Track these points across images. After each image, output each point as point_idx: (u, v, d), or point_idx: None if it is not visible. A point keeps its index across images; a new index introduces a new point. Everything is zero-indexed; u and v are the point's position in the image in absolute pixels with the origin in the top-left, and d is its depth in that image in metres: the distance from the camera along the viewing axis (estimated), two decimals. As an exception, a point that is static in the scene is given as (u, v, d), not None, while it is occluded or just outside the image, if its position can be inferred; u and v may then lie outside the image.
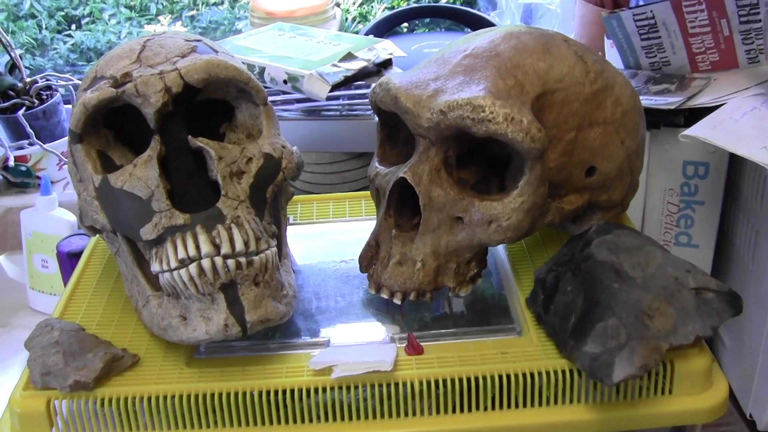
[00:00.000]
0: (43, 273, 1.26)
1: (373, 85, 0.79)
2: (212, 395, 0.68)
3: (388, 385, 0.68)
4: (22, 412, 0.68)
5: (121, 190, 0.71)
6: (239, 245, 0.68)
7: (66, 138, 0.77)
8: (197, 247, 0.67)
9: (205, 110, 0.78)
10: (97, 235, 0.82)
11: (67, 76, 1.47)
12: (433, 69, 0.75)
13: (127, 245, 0.74)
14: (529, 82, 0.72)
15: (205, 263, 0.67)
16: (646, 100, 0.94)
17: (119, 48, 0.77)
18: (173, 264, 0.68)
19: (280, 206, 0.80)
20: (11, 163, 1.37)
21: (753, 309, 0.91)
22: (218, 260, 0.67)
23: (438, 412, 0.68)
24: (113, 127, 0.77)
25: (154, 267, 0.70)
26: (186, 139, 0.72)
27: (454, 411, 0.68)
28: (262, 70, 1.12)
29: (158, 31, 0.80)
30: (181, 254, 0.67)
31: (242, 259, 0.68)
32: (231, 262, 0.67)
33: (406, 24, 1.75)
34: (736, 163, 0.96)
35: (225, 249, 0.67)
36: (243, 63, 1.09)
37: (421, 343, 0.71)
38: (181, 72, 0.72)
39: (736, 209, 0.98)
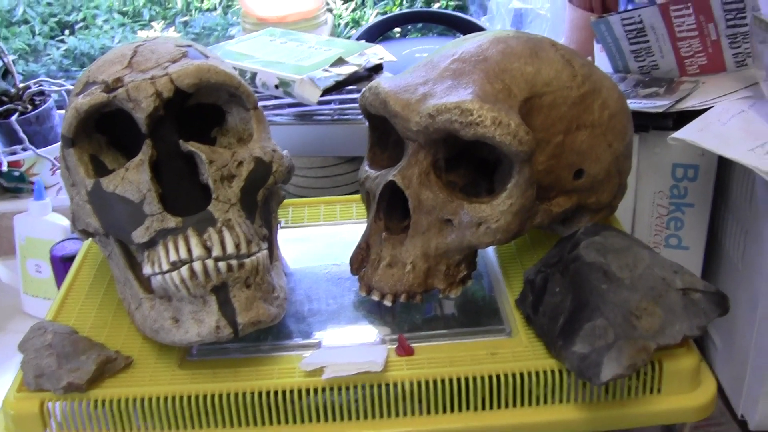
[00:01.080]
0: (37, 278, 1.26)
1: (364, 89, 0.79)
2: (205, 396, 0.68)
3: (379, 386, 0.68)
4: (16, 413, 0.69)
5: (113, 194, 0.72)
6: (230, 248, 0.68)
7: (59, 143, 0.77)
8: (189, 250, 0.68)
9: (196, 115, 0.79)
10: (90, 239, 0.83)
11: (60, 81, 1.48)
12: (422, 73, 0.76)
13: (120, 248, 0.75)
14: (516, 86, 0.73)
15: (197, 266, 0.67)
16: (635, 104, 0.95)
17: (111, 53, 0.78)
18: (165, 267, 0.68)
19: (271, 209, 0.80)
20: (4, 168, 1.37)
21: (743, 310, 0.91)
22: (209, 263, 0.67)
23: (428, 412, 0.69)
24: (105, 131, 0.78)
25: (146, 270, 0.71)
26: (177, 144, 0.73)
27: (444, 411, 0.69)
28: (254, 75, 1.12)
29: (150, 37, 0.81)
30: (173, 257, 0.68)
31: (233, 262, 0.68)
32: (222, 265, 0.68)
33: (398, 29, 1.76)
34: (725, 165, 0.96)
35: (216, 251, 0.68)
36: (235, 68, 1.10)
37: (412, 345, 0.72)
38: (172, 77, 0.73)
39: (725, 211, 0.98)
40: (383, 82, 0.77)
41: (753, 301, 0.89)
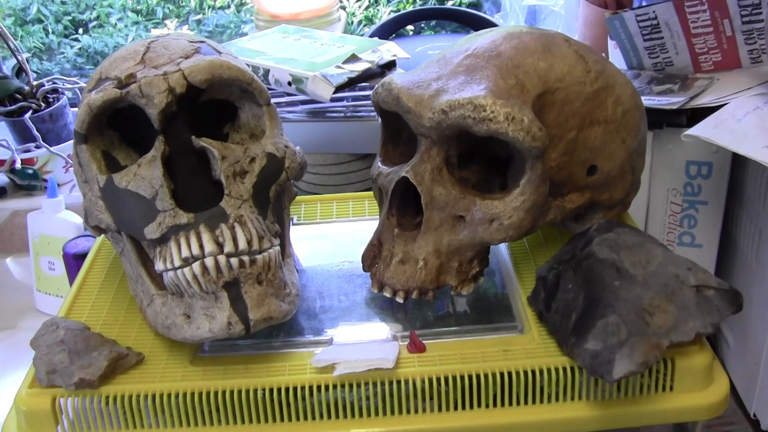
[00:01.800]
0: (50, 275, 1.26)
1: (376, 85, 0.79)
2: (216, 393, 0.68)
3: (390, 383, 0.68)
4: (28, 409, 0.69)
5: (125, 190, 0.72)
6: (242, 244, 0.68)
7: (72, 141, 0.78)
8: (201, 246, 0.68)
9: (209, 111, 0.79)
10: (103, 235, 0.83)
11: (74, 79, 1.48)
12: (435, 69, 0.76)
13: (132, 245, 0.75)
14: (530, 82, 0.72)
15: (209, 262, 0.67)
16: (649, 101, 0.94)
17: (123, 49, 0.78)
18: (177, 263, 0.68)
19: (283, 206, 0.80)
20: (18, 165, 1.37)
21: (757, 308, 0.91)
22: (221, 259, 0.67)
23: (440, 409, 0.69)
24: (118, 127, 0.78)
25: (158, 266, 0.71)
26: (190, 140, 0.73)
27: (455, 408, 0.69)
28: (267, 72, 1.12)
29: (163, 33, 0.81)
30: (185, 253, 0.68)
31: (245, 258, 0.68)
32: (234, 261, 0.68)
33: (411, 26, 1.76)
34: (739, 162, 0.96)
35: (228, 248, 0.68)
36: (248, 65, 1.10)
37: (424, 341, 0.72)
38: (184, 73, 0.73)
39: (739, 209, 0.98)
40: (396, 78, 0.77)
41: (767, 300, 0.88)
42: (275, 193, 0.76)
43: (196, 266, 0.68)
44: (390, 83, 0.76)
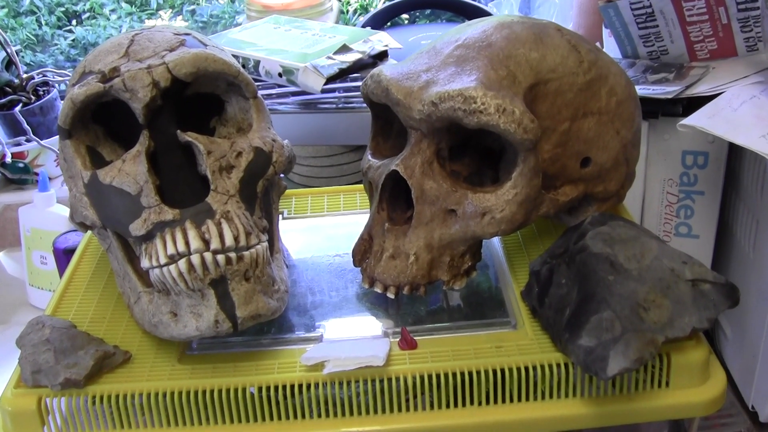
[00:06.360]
0: (42, 269, 1.26)
1: (366, 77, 0.78)
2: (204, 392, 0.67)
3: (381, 381, 0.67)
4: (13, 410, 0.68)
5: (110, 186, 0.71)
6: (229, 240, 0.67)
7: (60, 135, 0.77)
8: (186, 243, 0.67)
9: (195, 104, 0.78)
10: (90, 231, 0.82)
11: (64, 71, 1.47)
12: (425, 60, 0.75)
13: (118, 241, 0.74)
14: (521, 73, 0.71)
15: (195, 259, 0.66)
16: (644, 90, 0.93)
17: (108, 43, 0.76)
18: (163, 260, 0.67)
19: (271, 200, 0.79)
20: (8, 159, 1.37)
21: (754, 300, 0.90)
22: (208, 255, 0.66)
23: (432, 407, 0.68)
24: (102, 122, 0.77)
25: (144, 263, 0.70)
26: (175, 134, 0.72)
27: (448, 406, 0.68)
28: (257, 63, 1.11)
29: (148, 26, 0.80)
30: (171, 250, 0.67)
31: (232, 254, 0.67)
32: (221, 258, 0.67)
33: (406, 16, 1.75)
34: (735, 152, 0.95)
35: (214, 244, 0.67)
36: (238, 56, 1.08)
37: (415, 338, 0.71)
38: (168, 66, 0.71)
39: (736, 199, 0.97)
40: (385, 69, 0.76)
41: (764, 291, 0.87)
42: (263, 188, 0.75)
43: (182, 263, 0.66)
44: (379, 75, 0.75)
